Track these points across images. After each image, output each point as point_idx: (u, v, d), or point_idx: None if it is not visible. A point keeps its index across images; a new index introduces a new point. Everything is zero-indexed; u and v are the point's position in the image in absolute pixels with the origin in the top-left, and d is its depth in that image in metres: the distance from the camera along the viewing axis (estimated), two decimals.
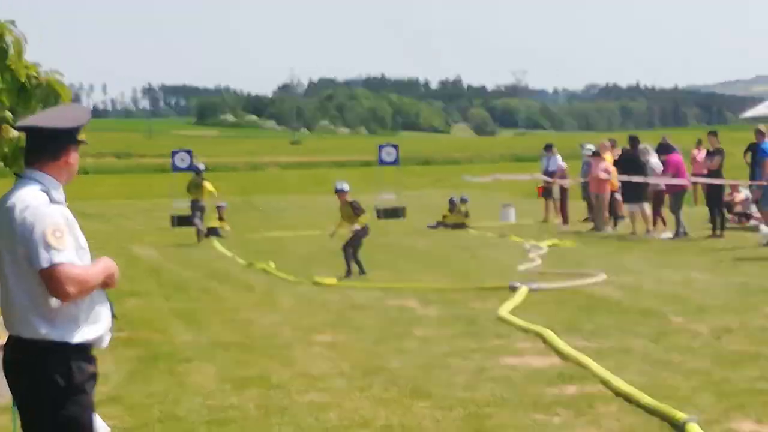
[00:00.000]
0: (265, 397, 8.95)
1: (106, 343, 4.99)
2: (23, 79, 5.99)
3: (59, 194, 4.85)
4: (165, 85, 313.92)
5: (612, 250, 20.51)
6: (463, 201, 29.46)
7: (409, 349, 10.98)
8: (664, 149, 23.86)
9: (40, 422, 4.76)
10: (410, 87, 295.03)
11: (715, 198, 22.71)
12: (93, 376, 4.88)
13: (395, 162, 37.95)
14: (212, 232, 28.36)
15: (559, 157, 29.76)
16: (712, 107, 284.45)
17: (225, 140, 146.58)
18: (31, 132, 4.88)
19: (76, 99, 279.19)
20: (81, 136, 4.97)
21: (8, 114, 6.50)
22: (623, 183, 23.87)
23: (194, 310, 14.22)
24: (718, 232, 22.07)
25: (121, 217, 40.93)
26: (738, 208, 25.77)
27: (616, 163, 24.76)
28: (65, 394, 4.72)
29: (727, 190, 25.21)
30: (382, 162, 38.10)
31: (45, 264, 4.60)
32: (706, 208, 23.36)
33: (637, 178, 23.14)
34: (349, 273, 17.68)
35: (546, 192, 29.89)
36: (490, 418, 8.02)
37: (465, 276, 17.14)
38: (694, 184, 26.57)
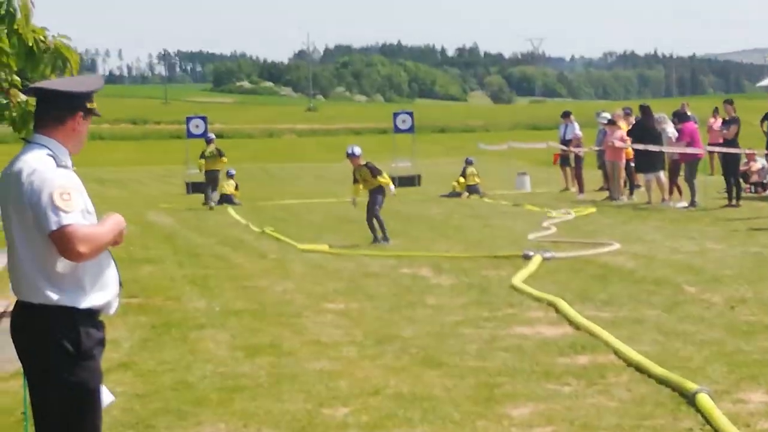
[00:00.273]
0: (277, 365, 8.96)
1: (114, 309, 4.97)
2: (31, 43, 5.95)
3: (66, 159, 4.82)
4: (181, 51, 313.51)
5: (627, 219, 20.44)
6: (469, 163, 29.30)
7: (421, 317, 10.98)
8: (679, 117, 23.71)
9: (47, 387, 4.75)
10: (427, 54, 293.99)
11: (731, 167, 22.58)
12: (101, 342, 4.86)
13: (410, 130, 37.91)
14: (226, 199, 28.42)
15: (576, 125, 29.63)
16: (730, 75, 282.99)
17: (241, 107, 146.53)
18: (38, 95, 4.86)
19: (92, 65, 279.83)
20: (91, 105, 4.91)
21: (16, 78, 6.48)
22: (637, 152, 23.77)
23: (207, 277, 14.24)
24: (734, 201, 21.96)
25: (136, 183, 41.09)
26: (754, 178, 25.65)
27: (629, 132, 24.62)
28: (73, 359, 4.71)
29: (744, 160, 25.07)
30: (397, 130, 38.08)
31: (54, 226, 4.57)
32: (722, 178, 23.24)
33: (652, 147, 23.02)
34: (378, 239, 17.55)
35: (563, 160, 29.75)
36: (501, 387, 8.00)
37: (479, 244, 17.11)
38: (711, 153, 26.44)
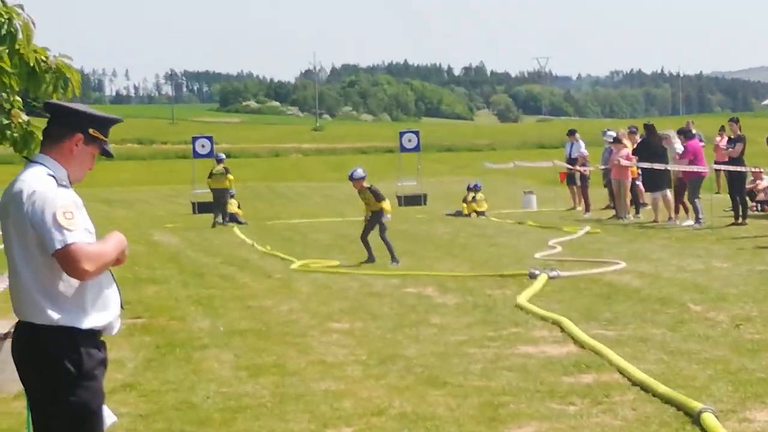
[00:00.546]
0: (281, 385, 8.94)
1: (116, 330, 4.95)
2: (32, 63, 5.95)
3: (65, 179, 4.80)
4: (188, 71, 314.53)
5: (633, 238, 20.42)
6: (476, 189, 29.28)
7: (425, 337, 10.96)
8: (684, 135, 23.69)
9: (49, 408, 4.74)
10: (433, 73, 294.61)
11: (736, 185, 22.55)
12: (103, 362, 4.85)
13: (416, 149, 37.96)
14: (232, 218, 28.50)
15: (582, 144, 29.65)
16: (737, 93, 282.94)
17: (247, 126, 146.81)
18: (47, 111, 4.86)
19: (99, 85, 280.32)
20: (95, 133, 4.87)
21: (18, 99, 6.49)
22: (644, 171, 23.75)
23: (212, 297, 14.23)
24: (740, 219, 21.93)
25: (143, 203, 41.13)
26: (761, 196, 25.60)
27: (635, 151, 24.64)
28: (75, 379, 4.69)
29: (750, 178, 25.03)
30: (403, 149, 38.13)
31: (59, 245, 4.56)
32: (728, 196, 23.20)
33: (657, 166, 23.01)
34: (374, 258, 17.63)
35: (570, 179, 29.77)
36: (505, 406, 7.98)
37: (484, 263, 17.10)
38: (717, 171, 26.40)
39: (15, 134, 6.45)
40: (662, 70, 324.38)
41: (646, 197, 25.04)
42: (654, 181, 23.33)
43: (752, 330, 10.63)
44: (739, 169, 22.45)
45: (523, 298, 12.87)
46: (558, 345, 10.27)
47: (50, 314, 4.67)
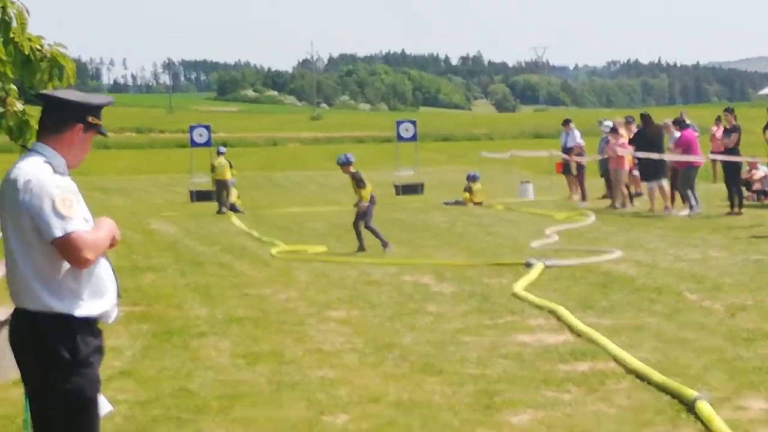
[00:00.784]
0: (277, 373, 8.97)
1: (113, 318, 4.97)
2: (27, 52, 5.95)
3: (62, 167, 4.81)
4: (185, 60, 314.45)
5: (629, 227, 20.45)
6: (474, 179, 29.27)
7: (421, 325, 10.99)
8: (678, 125, 23.71)
9: (45, 395, 4.76)
10: (431, 63, 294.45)
11: (732, 175, 22.57)
12: (99, 350, 4.86)
13: (413, 138, 37.95)
14: (232, 207, 28.65)
15: (577, 133, 29.66)
16: (734, 84, 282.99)
17: (245, 115, 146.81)
18: (42, 102, 4.87)
19: (97, 74, 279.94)
20: (94, 120, 4.89)
21: (13, 87, 6.50)
22: (640, 161, 23.78)
23: (210, 285, 14.26)
24: (736, 209, 21.96)
25: (140, 192, 41.10)
26: (756, 186, 25.62)
27: (631, 141, 24.66)
28: (70, 366, 4.71)
29: (746, 168, 25.07)
30: (400, 138, 38.10)
31: (59, 233, 4.58)
32: (724, 186, 23.24)
33: (653, 155, 23.03)
34: (364, 247, 17.70)
35: (565, 168, 29.81)
36: (500, 394, 8.02)
37: (481, 252, 17.13)
38: (713, 161, 26.44)
39: (11, 123, 6.45)
40: (659, 60, 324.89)
41: (642, 186, 25.06)
42: (650, 170, 23.34)
43: (747, 319, 10.67)
44: (734, 159, 22.48)
45: (519, 287, 12.90)
46: (554, 333, 10.31)
47: (47, 301, 4.69)
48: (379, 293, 13.22)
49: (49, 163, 4.76)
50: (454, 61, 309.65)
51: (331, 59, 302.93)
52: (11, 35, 5.88)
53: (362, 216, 17.96)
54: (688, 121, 25.12)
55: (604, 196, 27.57)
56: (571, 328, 10.37)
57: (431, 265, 15.57)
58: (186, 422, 7.55)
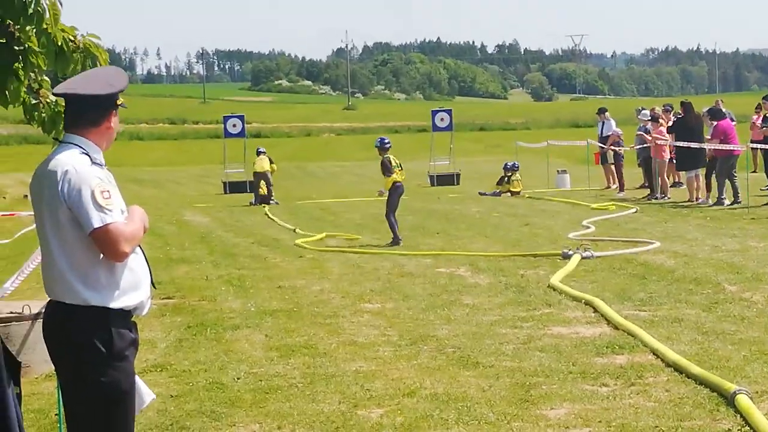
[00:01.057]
0: (311, 366, 8.92)
1: (146, 310, 4.94)
2: (60, 43, 5.91)
3: (100, 157, 4.81)
4: (219, 50, 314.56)
5: (668, 217, 20.24)
6: (514, 169, 29.09)
7: (457, 317, 10.91)
8: (714, 114, 23.44)
9: (80, 388, 4.72)
10: (466, 51, 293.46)
11: None
12: (133, 343, 4.83)
13: (449, 128, 37.77)
14: (264, 199, 28.69)
15: (613, 122, 29.42)
16: None
17: (279, 105, 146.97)
18: (71, 98, 4.82)
19: (131, 64, 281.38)
20: (120, 100, 4.89)
21: (46, 78, 6.46)
22: (679, 150, 23.52)
23: (243, 277, 14.23)
24: None
25: (173, 183, 41.25)
26: None
27: (669, 129, 24.40)
28: (105, 359, 4.67)
29: None
30: (435, 128, 37.93)
31: (98, 224, 4.55)
32: (764, 175, 22.95)
33: (693, 144, 22.78)
34: (396, 241, 17.43)
35: (603, 158, 29.55)
36: (537, 387, 7.92)
37: (517, 243, 17.01)
38: (753, 150, 26.13)
39: (43, 114, 6.41)
40: (698, 48, 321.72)
41: (681, 176, 24.78)
42: (690, 159, 23.08)
43: None
44: None
45: (556, 279, 12.79)
46: (591, 326, 10.20)
47: (82, 294, 4.66)
48: (414, 285, 13.14)
49: (87, 154, 4.74)
50: (490, 50, 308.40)
51: (365, 48, 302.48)
52: (44, 26, 5.83)
53: (388, 204, 17.71)
54: (724, 110, 24.80)
55: (642, 186, 27.33)
56: (609, 321, 10.25)
57: (466, 257, 15.47)
58: (219, 416, 7.51)
